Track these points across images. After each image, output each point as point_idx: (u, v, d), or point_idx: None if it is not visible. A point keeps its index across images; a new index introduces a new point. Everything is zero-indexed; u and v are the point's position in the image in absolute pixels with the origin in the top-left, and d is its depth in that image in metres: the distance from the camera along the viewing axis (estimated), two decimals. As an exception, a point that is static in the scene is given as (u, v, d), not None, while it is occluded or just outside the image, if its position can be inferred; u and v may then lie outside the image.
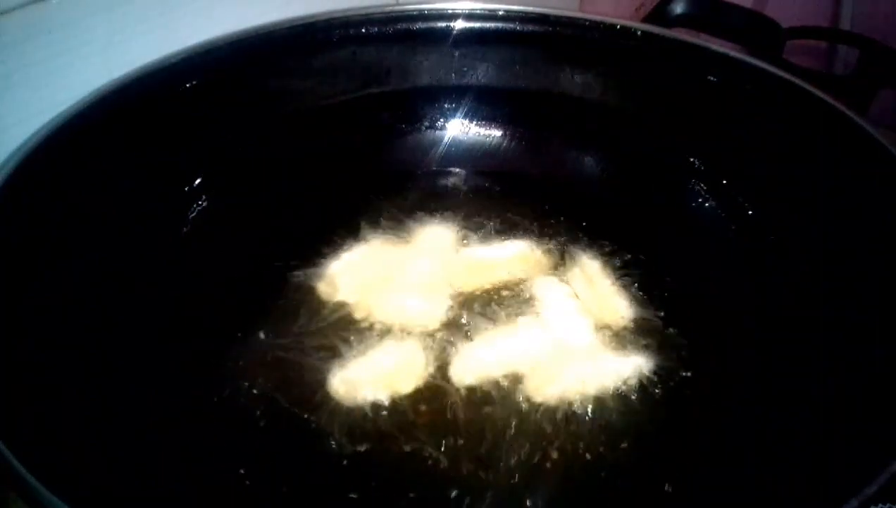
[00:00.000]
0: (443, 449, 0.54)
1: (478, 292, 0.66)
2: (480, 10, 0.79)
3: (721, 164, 0.75)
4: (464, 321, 0.63)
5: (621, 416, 0.56)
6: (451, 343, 0.61)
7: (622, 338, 0.62)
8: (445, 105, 0.84)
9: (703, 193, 0.75)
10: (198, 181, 0.72)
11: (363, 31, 0.77)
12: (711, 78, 0.74)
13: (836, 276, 0.60)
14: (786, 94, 0.70)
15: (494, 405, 0.57)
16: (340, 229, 0.72)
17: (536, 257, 0.69)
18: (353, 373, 0.58)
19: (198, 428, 0.55)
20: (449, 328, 0.62)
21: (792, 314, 0.61)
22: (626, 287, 0.66)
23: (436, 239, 0.71)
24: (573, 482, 0.52)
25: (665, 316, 0.64)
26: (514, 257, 0.69)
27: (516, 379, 0.58)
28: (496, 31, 0.80)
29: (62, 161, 0.60)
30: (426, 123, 0.84)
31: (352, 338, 0.62)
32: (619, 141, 0.80)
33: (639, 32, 0.78)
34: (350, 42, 0.77)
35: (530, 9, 0.79)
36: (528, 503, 0.51)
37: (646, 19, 0.93)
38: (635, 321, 0.63)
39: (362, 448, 0.54)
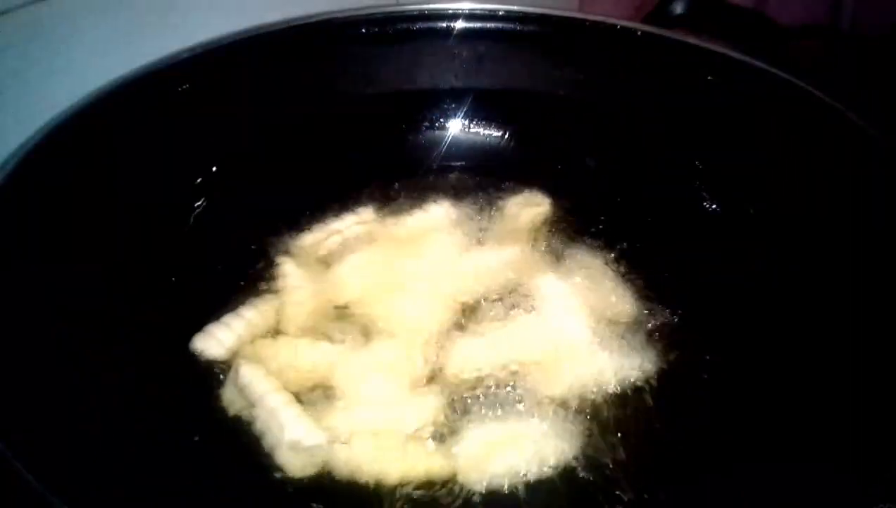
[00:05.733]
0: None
1: (478, 292, 0.66)
2: (480, 10, 0.79)
3: (721, 164, 0.75)
4: (464, 320, 0.63)
5: (623, 414, 0.56)
6: (451, 343, 0.61)
7: (624, 336, 0.62)
8: (445, 105, 0.84)
9: (703, 193, 0.75)
10: (199, 180, 0.72)
11: (363, 31, 0.77)
12: (711, 78, 0.74)
13: (837, 275, 0.60)
14: (786, 94, 0.70)
15: (495, 405, 0.57)
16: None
17: (537, 256, 0.69)
18: (353, 372, 0.58)
19: (198, 427, 0.54)
20: (449, 328, 0.62)
21: (793, 313, 0.61)
22: (627, 286, 0.66)
23: (436, 239, 0.71)
24: (577, 481, 0.52)
25: (666, 315, 0.64)
26: (514, 255, 0.69)
27: (518, 379, 0.58)
28: (496, 32, 0.80)
29: (62, 161, 0.61)
30: (426, 124, 0.84)
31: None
32: (619, 141, 0.80)
33: (639, 33, 0.78)
34: (350, 42, 0.77)
35: (530, 9, 0.79)
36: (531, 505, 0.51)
37: (646, 19, 0.93)
38: (637, 319, 0.63)
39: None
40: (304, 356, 0.59)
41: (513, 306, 0.64)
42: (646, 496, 0.52)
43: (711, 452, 0.54)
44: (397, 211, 0.74)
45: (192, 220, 0.70)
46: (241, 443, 0.54)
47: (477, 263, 0.68)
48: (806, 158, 0.68)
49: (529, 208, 0.74)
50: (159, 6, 0.74)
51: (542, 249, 0.70)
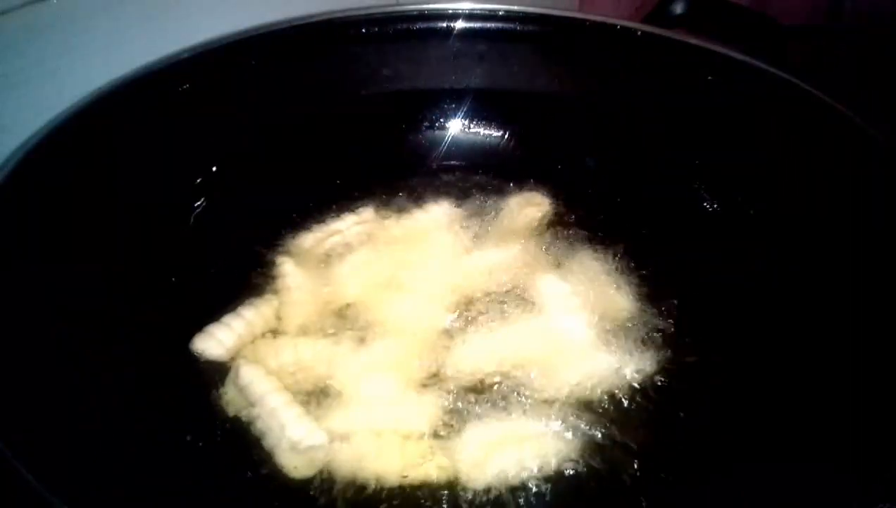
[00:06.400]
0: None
1: (478, 292, 0.66)
2: (480, 10, 0.79)
3: (721, 164, 0.75)
4: (464, 320, 0.63)
5: (623, 414, 0.56)
6: (452, 343, 0.61)
7: (624, 336, 0.62)
8: (446, 105, 0.84)
9: (703, 193, 0.75)
10: (199, 180, 0.72)
11: (363, 31, 0.77)
12: (711, 78, 0.74)
13: (837, 275, 0.60)
14: (786, 94, 0.70)
15: (495, 405, 0.57)
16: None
17: (537, 256, 0.69)
18: (353, 372, 0.58)
19: (198, 427, 0.54)
20: (449, 328, 0.62)
21: (793, 314, 0.61)
22: (627, 286, 0.66)
23: (436, 239, 0.71)
24: (577, 481, 0.52)
25: (666, 315, 0.64)
26: (514, 255, 0.69)
27: (518, 379, 0.58)
28: (496, 32, 0.80)
29: (62, 161, 0.61)
30: (426, 123, 0.84)
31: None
32: (619, 141, 0.80)
33: (639, 33, 0.78)
34: (350, 42, 0.77)
35: (530, 9, 0.79)
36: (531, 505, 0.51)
37: (646, 20, 0.93)
38: (637, 319, 0.63)
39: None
40: (304, 356, 0.59)
41: (513, 306, 0.64)
42: (646, 495, 0.52)
43: (711, 452, 0.54)
44: (397, 211, 0.74)
45: (192, 220, 0.70)
46: (241, 443, 0.54)
47: (477, 263, 0.68)
48: (806, 158, 0.68)
49: (529, 207, 0.74)
50: (160, 6, 0.74)
51: (542, 249, 0.70)
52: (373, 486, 0.51)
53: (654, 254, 0.69)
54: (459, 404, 0.57)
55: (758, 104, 0.72)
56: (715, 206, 0.74)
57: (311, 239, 0.70)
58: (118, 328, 0.57)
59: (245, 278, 0.66)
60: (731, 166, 0.74)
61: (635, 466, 0.53)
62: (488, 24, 0.79)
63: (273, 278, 0.66)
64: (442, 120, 0.84)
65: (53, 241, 0.58)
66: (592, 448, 0.54)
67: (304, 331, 0.62)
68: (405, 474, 0.52)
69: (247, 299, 0.64)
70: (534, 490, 0.52)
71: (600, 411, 0.56)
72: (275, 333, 0.62)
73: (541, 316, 0.63)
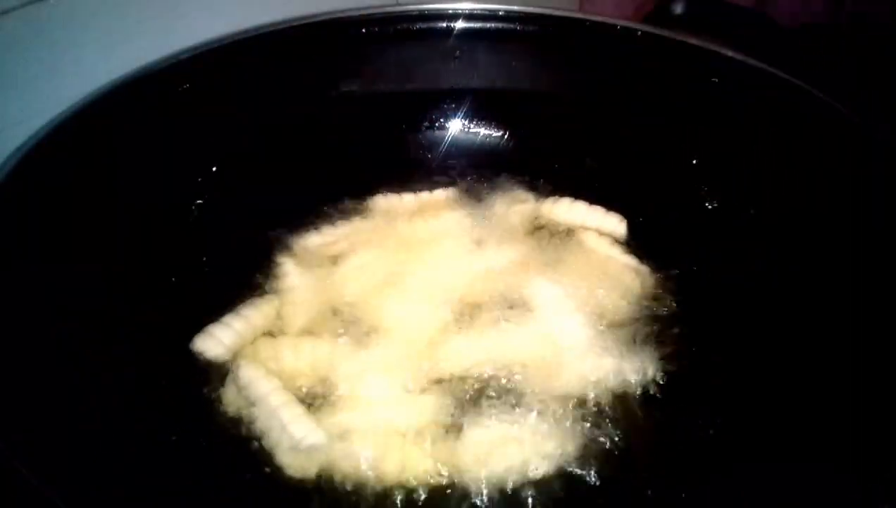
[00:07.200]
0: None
1: (479, 292, 0.66)
2: (480, 10, 0.79)
3: (721, 163, 0.75)
4: (465, 320, 0.63)
5: (623, 414, 0.56)
6: (452, 343, 0.61)
7: (623, 336, 0.62)
8: (445, 105, 0.84)
9: (703, 193, 0.75)
10: (199, 180, 0.72)
11: (363, 31, 0.77)
12: (712, 78, 0.74)
13: (837, 275, 0.60)
14: (786, 94, 0.70)
15: (495, 405, 0.57)
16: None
17: (537, 257, 0.69)
18: (353, 372, 0.58)
19: (198, 427, 0.54)
20: (449, 328, 0.62)
21: (793, 313, 0.61)
22: (626, 286, 0.66)
23: (436, 239, 0.71)
24: (577, 481, 0.52)
25: (667, 315, 0.64)
26: (514, 256, 0.69)
27: (518, 379, 0.58)
28: (496, 32, 0.80)
29: (62, 161, 0.61)
30: (426, 124, 0.84)
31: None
32: (619, 141, 0.80)
33: (639, 33, 0.78)
34: (350, 42, 0.77)
35: (530, 9, 0.79)
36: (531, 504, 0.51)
37: (646, 20, 0.93)
38: (636, 319, 0.63)
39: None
40: (305, 356, 0.59)
41: (514, 307, 0.64)
42: (646, 495, 0.52)
43: (712, 452, 0.54)
44: (396, 211, 0.74)
45: (192, 220, 0.70)
46: (241, 443, 0.54)
47: (477, 263, 0.68)
48: (806, 157, 0.68)
49: (528, 208, 0.74)
50: (159, 6, 0.74)
51: (542, 249, 0.70)
52: (373, 486, 0.52)
53: (654, 254, 0.69)
54: (459, 404, 0.57)
55: (758, 104, 0.72)
56: (715, 205, 0.74)
57: (312, 239, 0.70)
58: (118, 328, 0.57)
59: (245, 278, 0.66)
60: (731, 166, 0.74)
61: (635, 466, 0.53)
62: (488, 24, 0.79)
63: (274, 277, 0.67)
64: (442, 120, 0.84)
65: (53, 241, 0.58)
66: (592, 448, 0.54)
67: (304, 331, 0.62)
68: (405, 474, 0.52)
69: (247, 299, 0.64)
70: (533, 489, 0.52)
71: (600, 411, 0.56)
72: (275, 333, 0.62)
73: (541, 317, 0.63)
